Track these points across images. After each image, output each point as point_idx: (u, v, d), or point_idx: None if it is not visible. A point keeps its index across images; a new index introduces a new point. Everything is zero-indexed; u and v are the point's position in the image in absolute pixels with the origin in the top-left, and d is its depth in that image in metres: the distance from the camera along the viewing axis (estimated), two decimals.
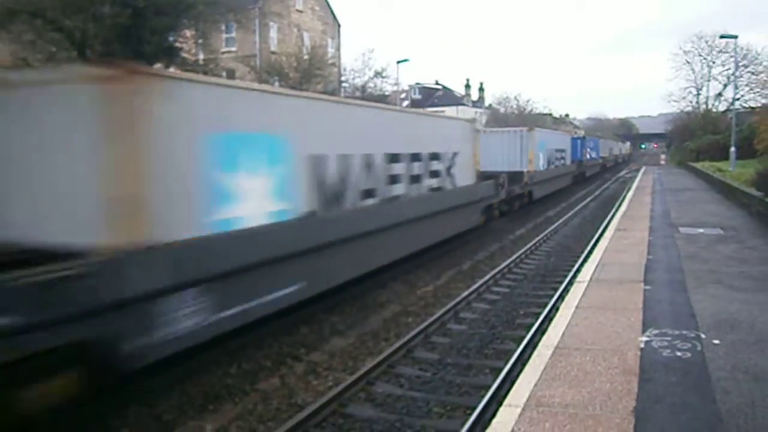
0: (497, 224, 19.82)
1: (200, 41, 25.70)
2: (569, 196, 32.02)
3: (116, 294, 5.81)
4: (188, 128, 6.89)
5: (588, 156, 44.00)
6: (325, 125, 9.69)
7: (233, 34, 35.59)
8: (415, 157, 12.98)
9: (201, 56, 27.26)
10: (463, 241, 16.50)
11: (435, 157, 14.08)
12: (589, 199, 30.23)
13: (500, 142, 23.49)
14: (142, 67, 7.30)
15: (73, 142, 6.31)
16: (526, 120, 56.37)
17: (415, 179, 12.99)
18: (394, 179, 11.97)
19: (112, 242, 5.90)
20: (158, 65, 22.74)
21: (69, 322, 5.44)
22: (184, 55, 24.10)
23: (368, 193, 10.93)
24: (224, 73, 33.07)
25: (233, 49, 36.40)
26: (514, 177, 22.24)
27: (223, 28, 31.83)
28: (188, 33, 24.34)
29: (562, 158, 32.15)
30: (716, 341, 6.28)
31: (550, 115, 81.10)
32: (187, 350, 6.71)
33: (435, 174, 14.08)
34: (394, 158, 11.95)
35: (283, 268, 8.25)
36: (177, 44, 23.24)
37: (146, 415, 6.49)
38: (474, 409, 6.24)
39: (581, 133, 62.30)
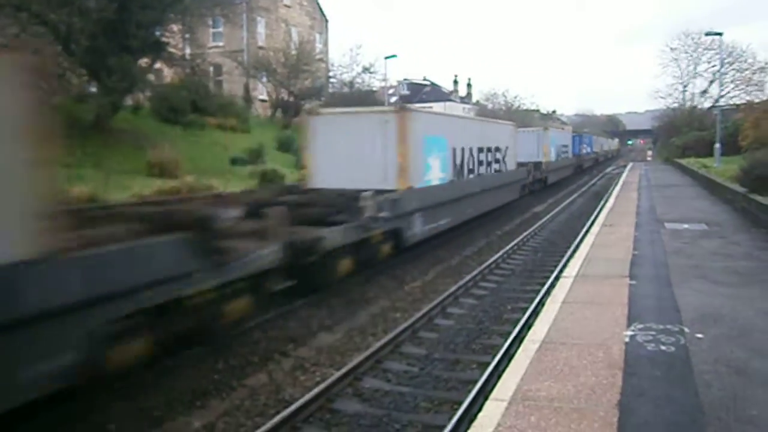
0: (526, 200, 26.02)
1: (187, 36, 25.59)
2: (557, 192, 32.23)
3: (404, 209, 12.65)
4: (417, 132, 13.62)
5: (584, 151, 50.33)
6: (456, 129, 16.84)
7: (220, 29, 35.42)
8: (489, 150, 19.64)
9: (188, 51, 27.15)
10: (455, 235, 16.60)
11: (497, 149, 20.75)
12: (576, 195, 30.43)
13: (524, 139, 28.23)
14: (408, 106, 14.82)
15: (385, 141, 13.10)
16: (513, 116, 56.63)
17: (489, 164, 19.68)
18: (480, 163, 18.66)
19: (398, 186, 12.93)
20: (144, 60, 22.63)
21: (393, 219, 12.09)
22: (171, 49, 23.95)
23: (471, 171, 17.77)
24: (211, 68, 32.98)
25: (220, 44, 36.24)
26: (536, 166, 28.86)
27: (210, 22, 31.66)
28: (175, 27, 24.17)
29: (566, 152, 38.91)
30: (700, 335, 6.35)
31: (538, 111, 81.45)
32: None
33: (497, 161, 20.73)
34: (481, 150, 18.70)
35: (443, 208, 14.93)
36: (163, 39, 23.09)
37: (133, 411, 6.46)
38: (461, 403, 6.28)
39: (569, 129, 63.27)
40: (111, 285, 5.80)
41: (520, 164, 24.65)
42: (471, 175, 17.66)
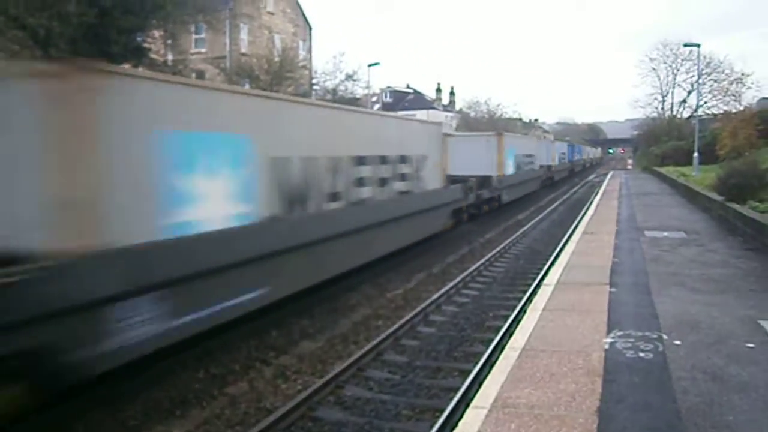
0: (541, 192, 35.70)
1: (169, 42, 25.39)
2: (539, 200, 32.55)
3: (501, 184, 24.04)
4: (504, 145, 24.72)
5: (576, 158, 63.38)
6: (517, 142, 29.84)
7: (203, 35, 35.21)
8: (528, 155, 30.99)
9: (170, 57, 26.95)
10: (436, 243, 16.67)
11: (532, 155, 32.11)
12: (558, 203, 30.69)
13: (538, 147, 36.66)
14: (503, 132, 27.85)
15: (489, 150, 24.22)
16: (496, 125, 57.08)
17: (528, 164, 30.84)
18: (525, 163, 29.88)
19: (498, 174, 23.97)
20: (126, 66, 22.45)
21: (498, 189, 23.75)
22: (153, 55, 23.76)
23: (521, 168, 28.39)
24: (193, 75, 32.79)
25: (203, 50, 36.04)
26: (548, 168, 39.15)
27: (193, 29, 31.46)
28: (157, 33, 24.00)
29: (564, 158, 51.36)
30: (677, 342, 6.43)
31: (520, 119, 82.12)
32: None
33: (532, 162, 32.10)
34: (526, 155, 30.25)
35: (513, 188, 26.16)
36: (145, 44, 22.89)
37: (111, 421, 6.39)
38: (442, 411, 6.29)
39: (551, 137, 64.70)
40: (451, 198, 17.37)
41: (540, 166, 35.87)
42: (520, 171, 28.45)
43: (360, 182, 11.59)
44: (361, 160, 11.64)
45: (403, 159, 13.85)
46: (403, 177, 13.86)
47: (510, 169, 25.82)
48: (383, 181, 12.69)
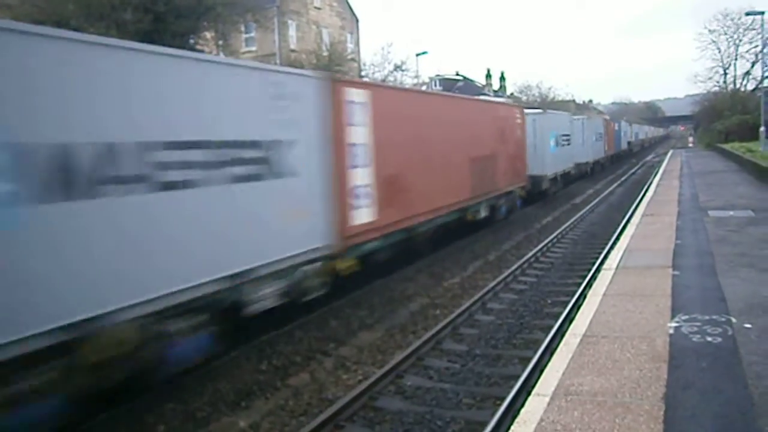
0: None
1: (220, 42, 25.93)
2: (595, 182, 31.80)
3: (578, 165, 30.00)
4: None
5: (644, 136, 76.03)
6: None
7: (253, 34, 35.76)
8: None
9: (222, 56, 27.54)
10: (489, 231, 16.53)
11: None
12: (615, 185, 29.91)
13: (624, 128, 44.83)
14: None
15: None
16: (549, 107, 55.94)
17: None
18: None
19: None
20: None
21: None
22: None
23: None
24: None
25: (253, 48, 36.60)
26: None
27: (243, 28, 32.00)
28: (208, 35, 24.56)
29: (640, 136, 60.62)
30: (748, 325, 6.19)
31: (573, 101, 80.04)
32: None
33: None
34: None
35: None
36: (198, 46, 23.46)
37: (181, 412, 6.64)
38: (504, 399, 6.26)
39: (607, 118, 63.64)
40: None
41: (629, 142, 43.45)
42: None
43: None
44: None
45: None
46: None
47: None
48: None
